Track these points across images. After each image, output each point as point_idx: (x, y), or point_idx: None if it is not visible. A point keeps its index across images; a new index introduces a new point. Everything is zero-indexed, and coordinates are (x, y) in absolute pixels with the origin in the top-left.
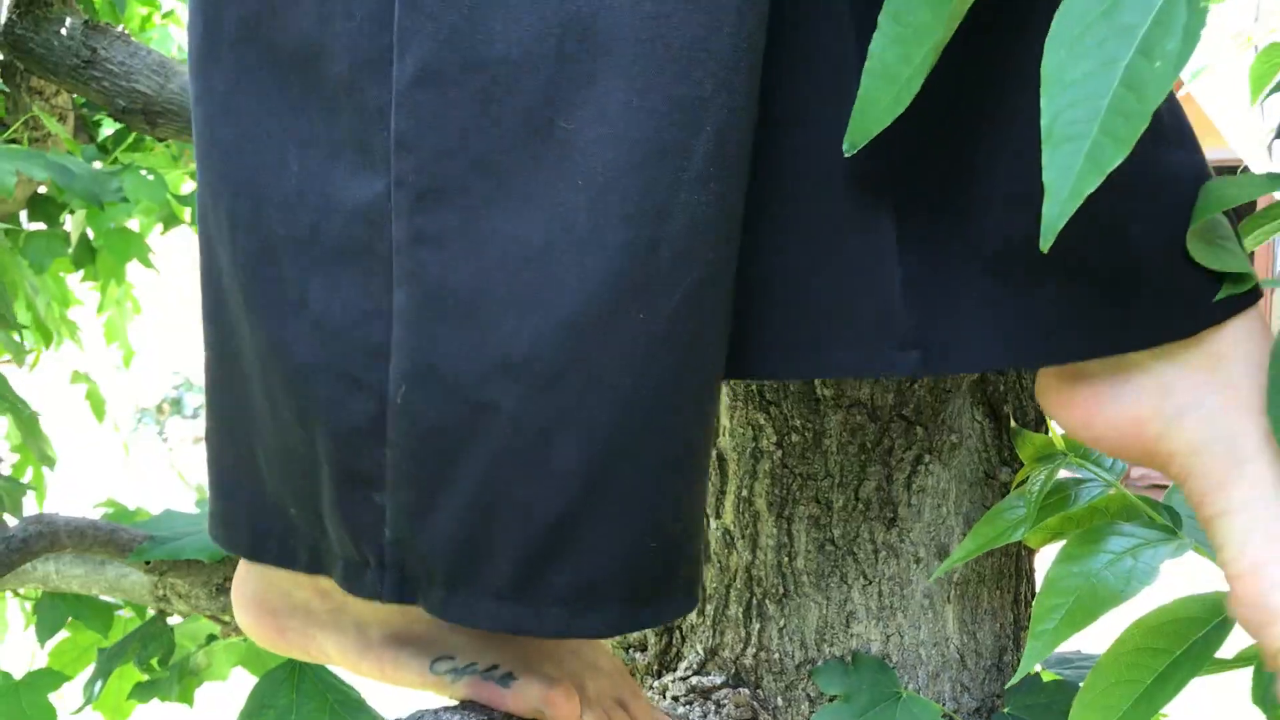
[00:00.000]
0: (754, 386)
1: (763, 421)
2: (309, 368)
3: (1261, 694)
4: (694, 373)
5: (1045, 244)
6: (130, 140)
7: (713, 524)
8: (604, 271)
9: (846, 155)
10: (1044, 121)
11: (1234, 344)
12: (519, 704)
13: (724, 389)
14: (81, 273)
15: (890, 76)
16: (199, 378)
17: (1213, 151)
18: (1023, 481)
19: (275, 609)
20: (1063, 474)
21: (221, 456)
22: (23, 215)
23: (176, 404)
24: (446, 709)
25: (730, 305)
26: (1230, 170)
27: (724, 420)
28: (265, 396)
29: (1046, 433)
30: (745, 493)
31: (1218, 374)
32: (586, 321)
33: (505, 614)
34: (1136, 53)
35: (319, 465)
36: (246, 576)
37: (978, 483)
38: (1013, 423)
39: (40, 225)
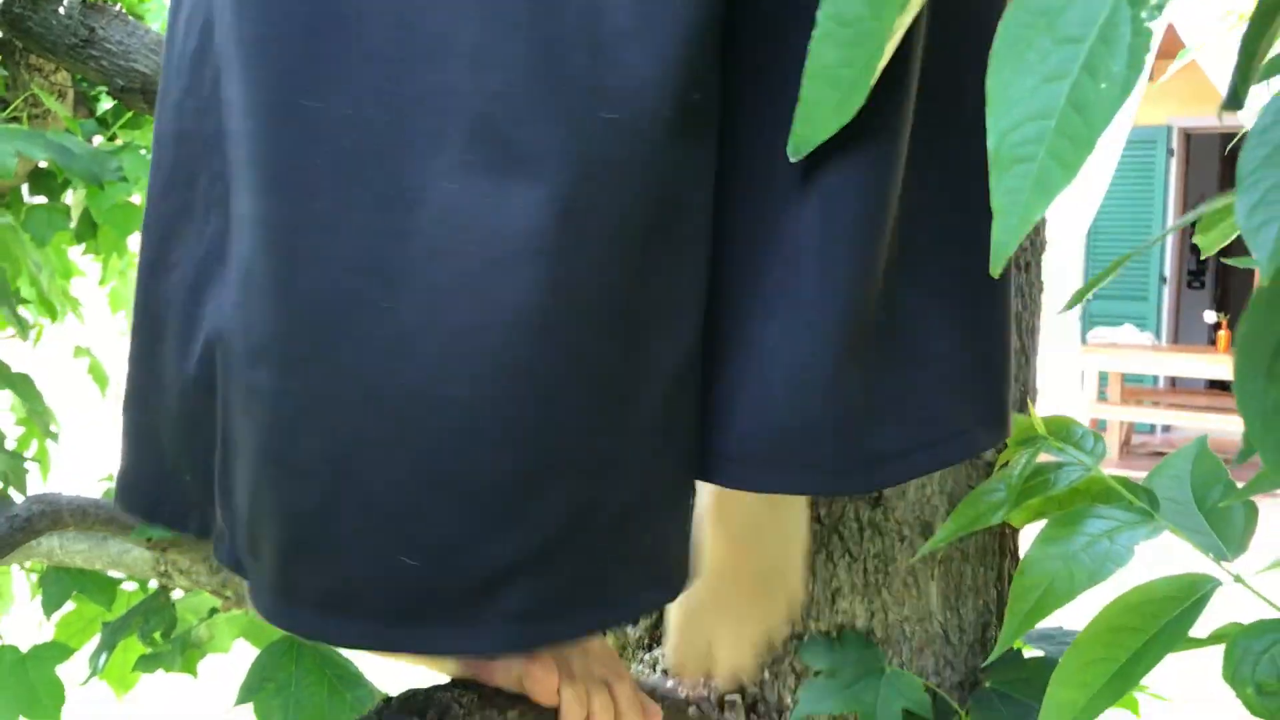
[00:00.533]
0: None
1: None
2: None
3: (1232, 671)
4: (453, 383)
5: (995, 270)
6: (128, 116)
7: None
8: (352, 249)
9: (791, 160)
10: (990, 142)
11: None
12: (503, 677)
13: None
14: (83, 245)
15: (833, 79)
16: None
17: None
18: (1006, 463)
19: None
20: (1045, 457)
21: (131, 425)
22: (24, 190)
23: None
24: (438, 686)
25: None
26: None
27: None
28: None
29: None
30: None
31: None
32: (330, 303)
33: (270, 607)
34: (1083, 70)
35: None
36: None
37: (962, 463)
38: None
39: (41, 199)
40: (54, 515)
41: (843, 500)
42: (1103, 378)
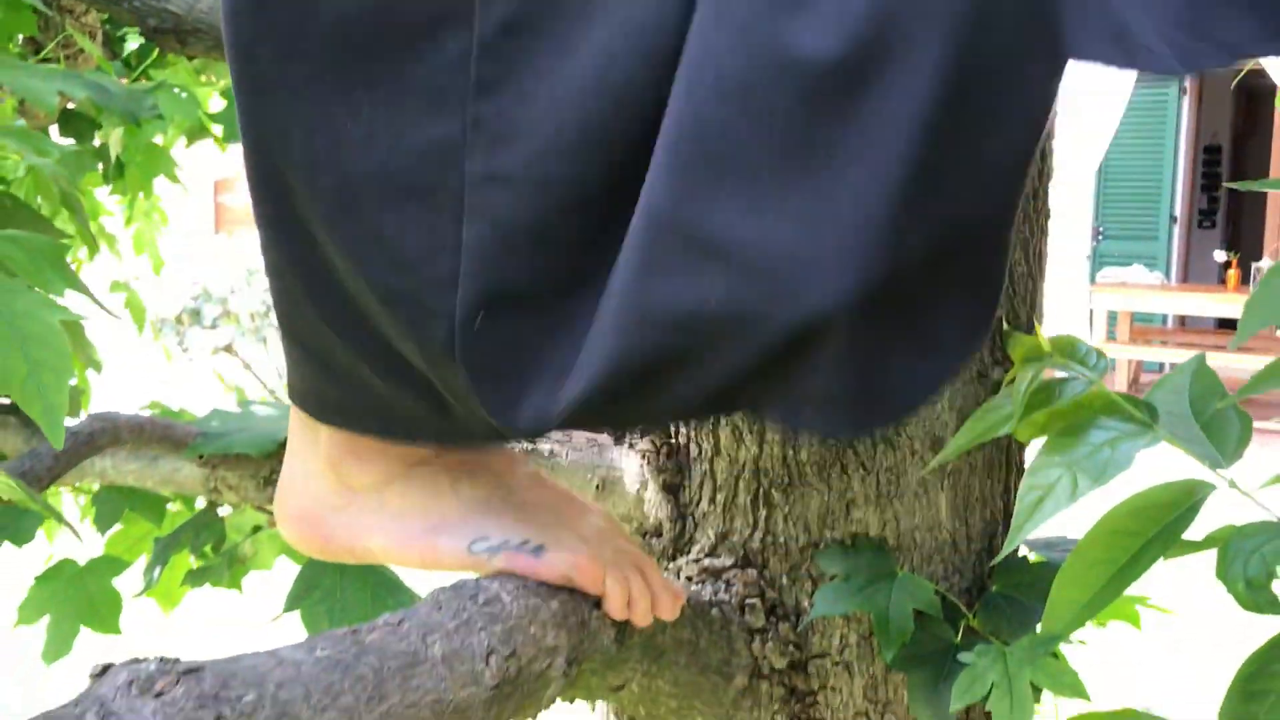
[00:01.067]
0: None
1: None
2: (391, 294)
3: (1225, 569)
4: None
5: None
6: (154, 56)
7: (723, 420)
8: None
9: None
10: None
11: None
12: (550, 572)
13: None
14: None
15: None
16: (217, 289)
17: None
18: (1012, 380)
19: (318, 520)
20: (1050, 374)
21: (303, 341)
22: (53, 131)
23: (195, 315)
24: (486, 577)
25: None
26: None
27: None
28: (360, 305)
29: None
30: None
31: None
32: None
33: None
34: None
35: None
36: (287, 494)
37: (971, 380)
38: (1005, 325)
39: (70, 141)
40: (113, 432)
41: None
42: (1112, 317)
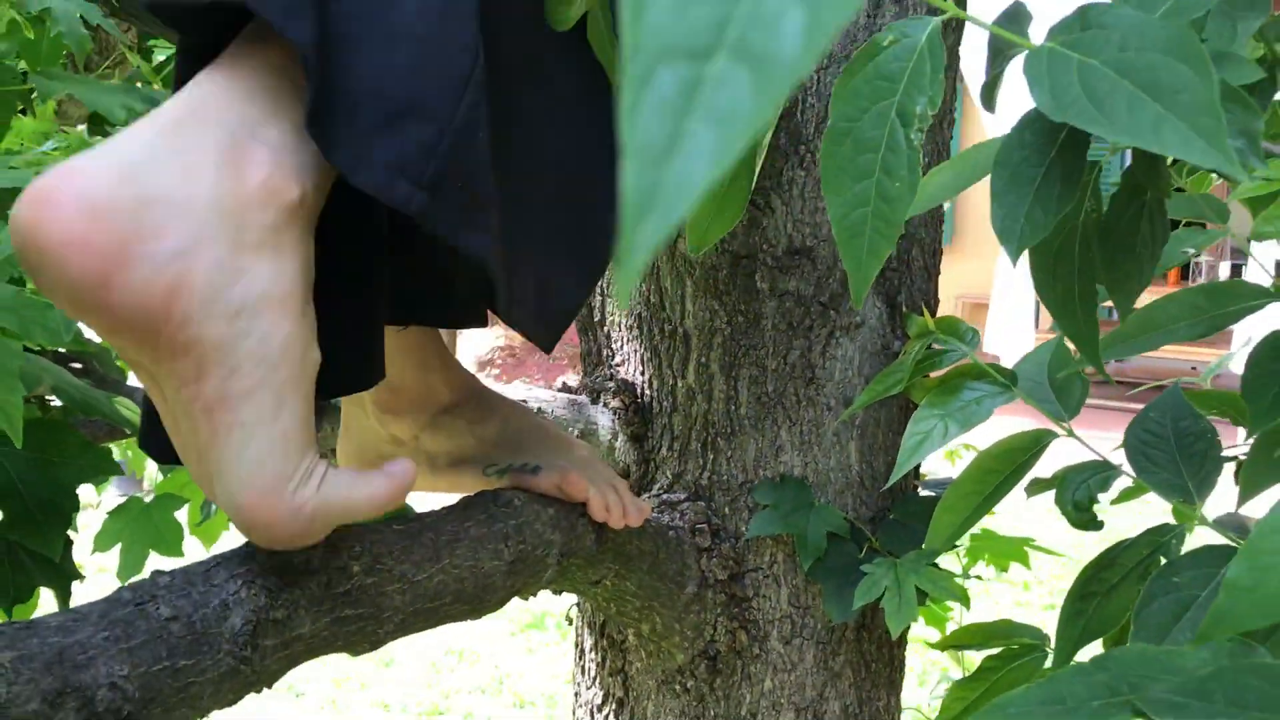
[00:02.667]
0: (711, 280)
1: (716, 307)
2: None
3: (1060, 497)
4: None
5: (858, 303)
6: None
7: (679, 383)
8: None
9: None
10: (833, 222)
11: None
12: (546, 484)
13: (686, 282)
14: None
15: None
16: None
17: None
18: (909, 353)
19: (371, 457)
20: (939, 346)
21: None
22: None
23: None
24: (499, 492)
25: None
26: None
27: (689, 306)
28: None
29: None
30: (703, 359)
31: None
32: None
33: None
34: (881, 172)
35: None
36: (347, 434)
37: (877, 353)
38: (904, 309)
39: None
40: None
41: (784, 380)
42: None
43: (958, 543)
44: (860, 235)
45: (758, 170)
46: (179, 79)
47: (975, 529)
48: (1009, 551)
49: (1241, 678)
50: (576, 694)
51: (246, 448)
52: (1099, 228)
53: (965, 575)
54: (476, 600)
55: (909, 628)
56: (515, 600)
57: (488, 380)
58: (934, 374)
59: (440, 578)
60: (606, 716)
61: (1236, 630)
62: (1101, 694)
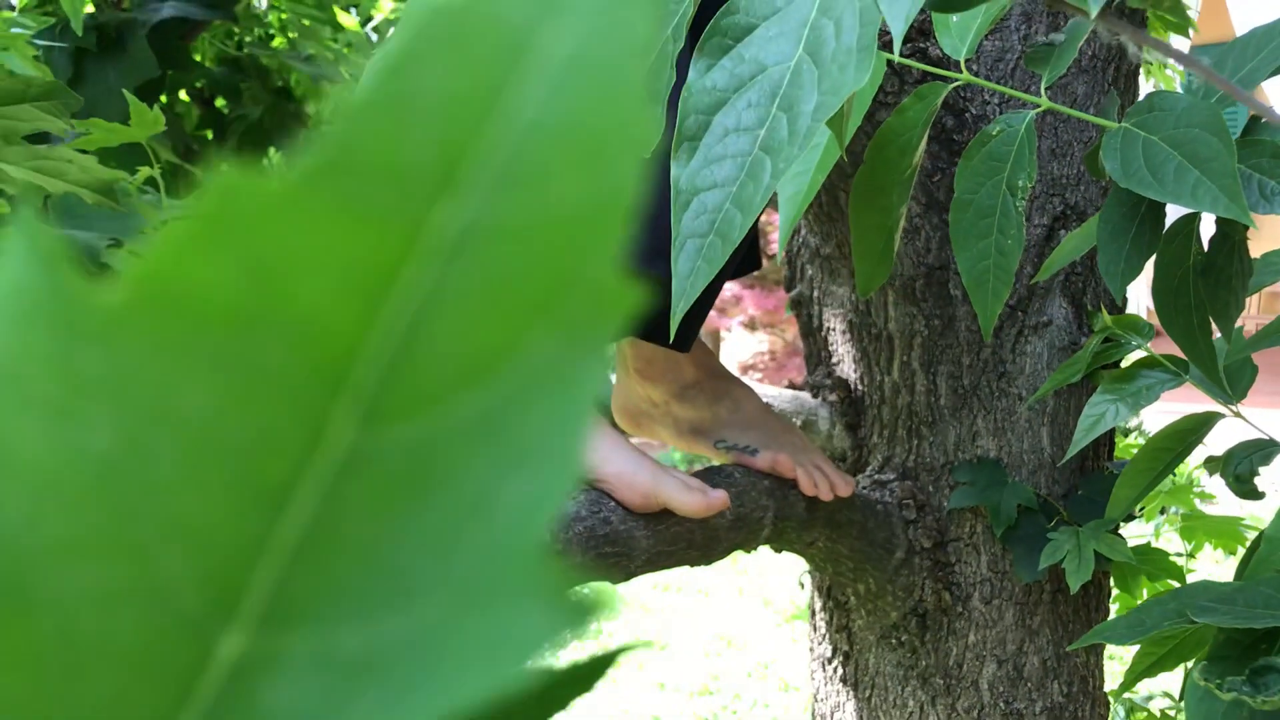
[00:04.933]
0: (909, 290)
1: (915, 313)
2: None
3: (1225, 470)
4: None
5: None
6: None
7: (886, 379)
8: None
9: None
10: (963, 272)
11: None
12: (761, 464)
13: (888, 293)
14: None
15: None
16: None
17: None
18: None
19: (634, 414)
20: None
21: None
22: None
23: None
24: (724, 466)
25: None
26: None
27: (891, 312)
28: None
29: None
30: (905, 358)
31: None
32: None
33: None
34: (997, 232)
35: None
36: (617, 391)
37: (1065, 348)
38: (1089, 307)
39: None
40: None
41: (979, 374)
42: None
43: (1173, 526)
44: (985, 283)
45: (898, 235)
46: None
47: (1185, 509)
48: (1225, 531)
49: (1256, 589)
50: (811, 649)
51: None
52: (1201, 268)
53: (1191, 556)
54: (705, 548)
55: (1113, 593)
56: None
57: (749, 381)
58: (1123, 365)
59: (676, 529)
60: (835, 667)
61: (1271, 570)
62: (1171, 616)
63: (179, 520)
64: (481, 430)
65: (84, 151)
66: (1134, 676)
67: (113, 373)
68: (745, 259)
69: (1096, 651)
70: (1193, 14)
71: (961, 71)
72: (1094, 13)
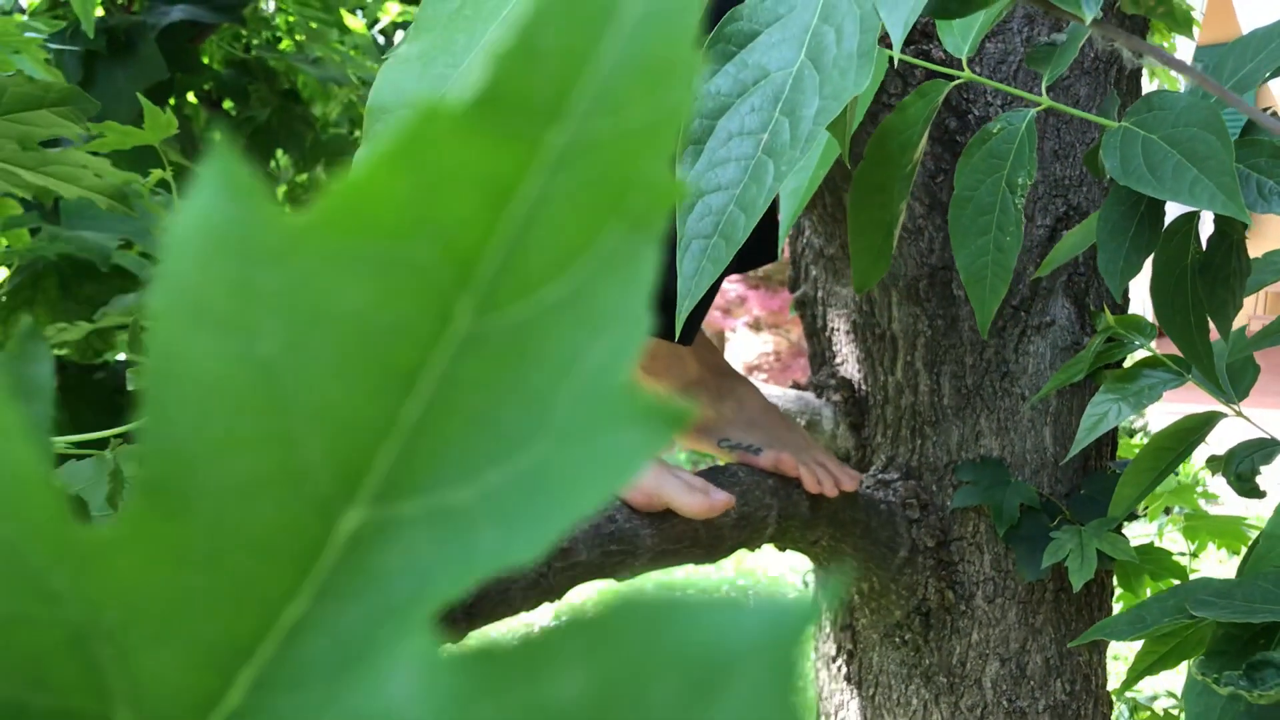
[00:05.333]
0: (912, 290)
1: (919, 313)
2: None
3: (1226, 469)
4: None
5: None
6: None
7: (889, 379)
8: None
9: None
10: (961, 268)
11: None
12: (764, 463)
13: (892, 293)
14: None
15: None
16: None
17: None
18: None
19: None
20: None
21: None
22: None
23: None
24: (728, 465)
25: None
26: None
27: (894, 312)
28: None
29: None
30: (909, 358)
31: None
32: None
33: None
34: (996, 229)
35: None
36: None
37: (1068, 348)
38: (1091, 307)
39: None
40: None
41: (982, 373)
42: None
43: (1177, 525)
44: (983, 279)
45: (896, 232)
46: None
47: (1187, 508)
48: (1228, 531)
49: (1255, 584)
50: (816, 648)
51: None
52: (1199, 266)
53: (1194, 555)
54: (710, 547)
55: (1116, 592)
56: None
57: (755, 380)
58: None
59: (681, 527)
60: (839, 666)
61: (1270, 566)
62: (1171, 612)
63: (323, 410)
64: (570, 307)
65: (95, 154)
66: (1136, 674)
67: (286, 286)
68: (762, 250)
69: (1099, 650)
70: (1198, 14)
71: (964, 69)
72: (1089, 19)
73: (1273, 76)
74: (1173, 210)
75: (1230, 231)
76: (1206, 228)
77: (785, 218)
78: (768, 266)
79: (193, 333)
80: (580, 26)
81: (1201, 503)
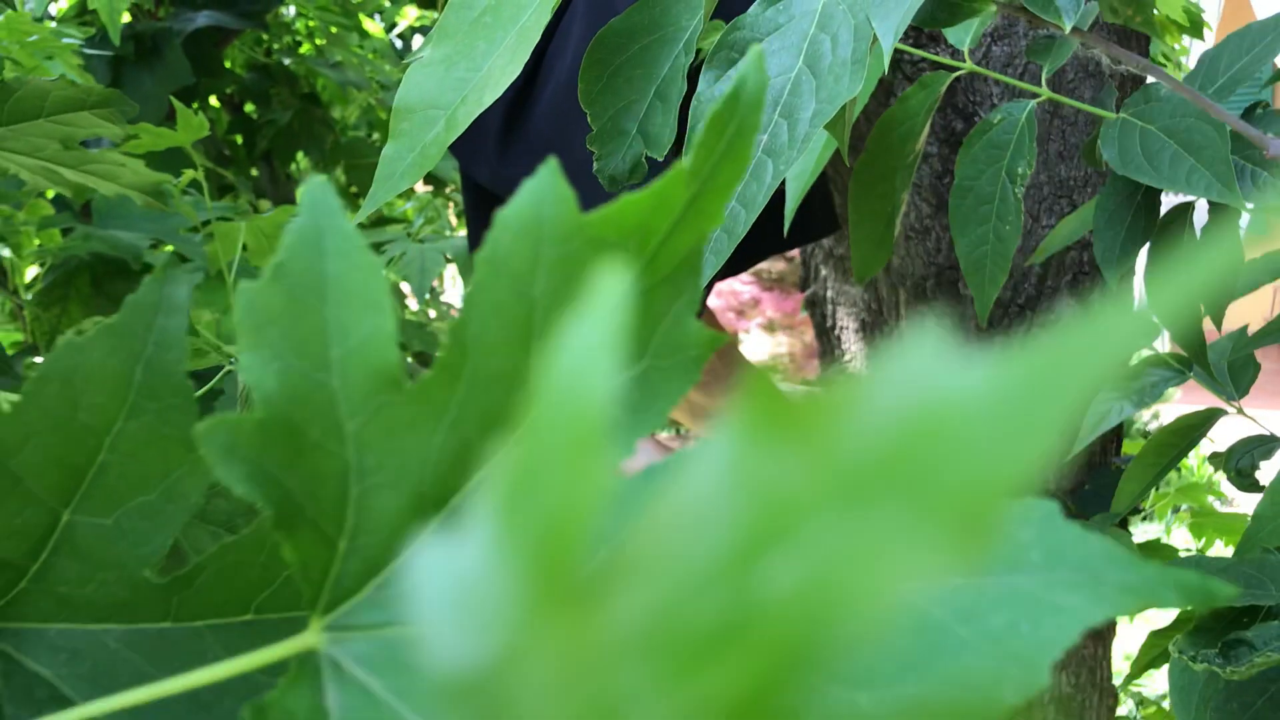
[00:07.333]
0: (920, 289)
1: (926, 311)
2: None
3: (1226, 465)
4: None
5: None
6: None
7: None
8: None
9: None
10: (960, 257)
11: None
12: None
13: (900, 292)
14: None
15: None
16: None
17: None
18: None
19: None
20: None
21: None
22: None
23: None
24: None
25: None
26: None
27: (902, 311)
28: None
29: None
30: None
31: None
32: None
33: None
34: (995, 219)
35: None
36: None
37: None
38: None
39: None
40: None
41: None
42: None
43: (1183, 523)
44: (982, 268)
45: (898, 221)
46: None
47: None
48: (1234, 528)
49: (1241, 566)
50: None
51: None
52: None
53: (1201, 552)
54: None
55: None
56: None
57: None
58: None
59: None
60: None
61: (1262, 546)
62: None
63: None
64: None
65: (129, 155)
66: (1139, 667)
67: (558, 258)
68: (823, 223)
69: (1104, 643)
70: (1213, 16)
71: (965, 61)
72: (1068, 28)
73: (1274, 79)
74: (1169, 205)
75: (1224, 221)
76: (1202, 222)
77: (791, 199)
78: (781, 269)
79: (496, 278)
80: None
81: (1214, 501)
